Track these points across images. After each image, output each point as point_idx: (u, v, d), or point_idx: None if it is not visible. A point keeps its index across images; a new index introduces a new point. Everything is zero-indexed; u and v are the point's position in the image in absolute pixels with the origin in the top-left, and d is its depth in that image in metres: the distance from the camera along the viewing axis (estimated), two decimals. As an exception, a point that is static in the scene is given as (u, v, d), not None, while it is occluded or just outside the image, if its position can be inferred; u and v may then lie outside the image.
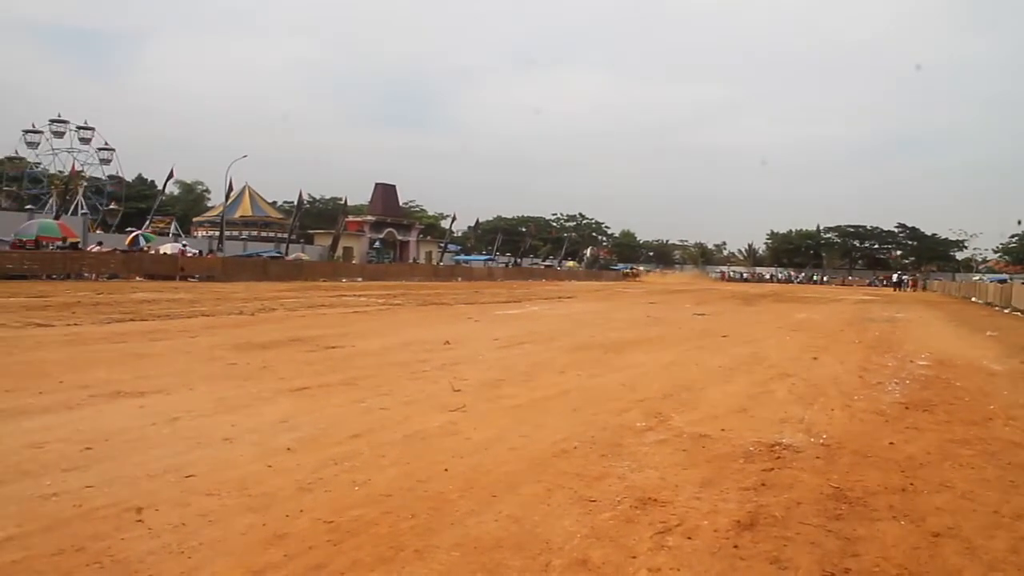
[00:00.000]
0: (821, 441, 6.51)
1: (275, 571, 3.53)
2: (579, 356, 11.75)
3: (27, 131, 68.70)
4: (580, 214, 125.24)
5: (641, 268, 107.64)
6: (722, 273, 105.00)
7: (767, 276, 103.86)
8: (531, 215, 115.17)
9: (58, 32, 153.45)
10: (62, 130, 70.33)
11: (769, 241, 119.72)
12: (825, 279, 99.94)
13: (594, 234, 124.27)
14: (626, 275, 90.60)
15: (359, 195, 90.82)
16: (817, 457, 5.98)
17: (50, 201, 64.45)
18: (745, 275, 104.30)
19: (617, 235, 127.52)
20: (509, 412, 7.30)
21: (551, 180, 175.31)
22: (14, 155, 69.03)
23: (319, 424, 6.50)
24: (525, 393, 8.33)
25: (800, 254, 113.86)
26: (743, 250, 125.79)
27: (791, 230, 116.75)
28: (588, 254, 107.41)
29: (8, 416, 6.43)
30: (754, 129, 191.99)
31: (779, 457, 5.94)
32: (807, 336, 17.02)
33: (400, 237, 75.51)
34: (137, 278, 35.71)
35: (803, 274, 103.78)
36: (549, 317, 21.06)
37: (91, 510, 4.22)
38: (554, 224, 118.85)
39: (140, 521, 4.07)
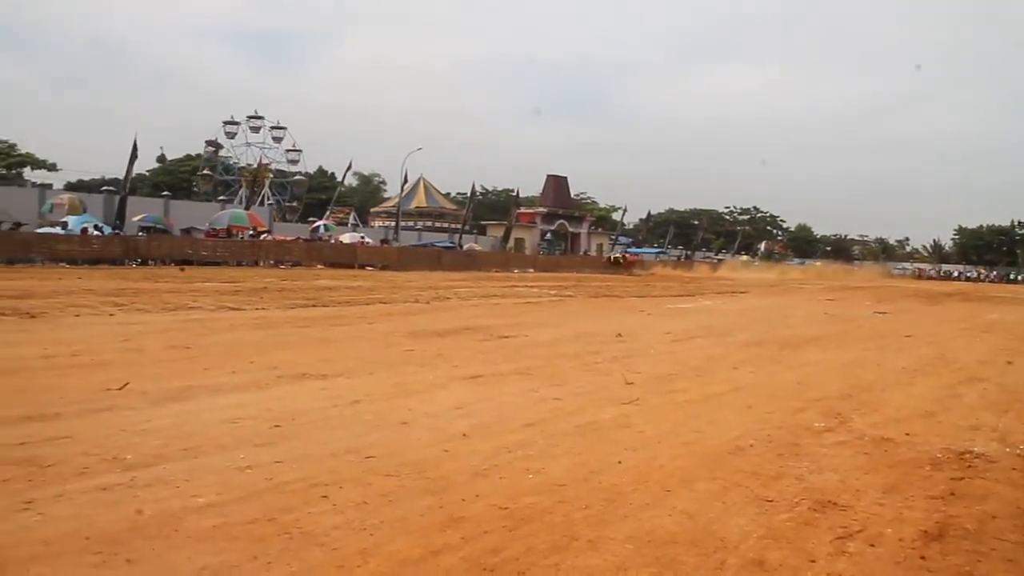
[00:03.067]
0: (1018, 452, 6.12)
1: (452, 552, 3.61)
2: (753, 352, 11.50)
3: (226, 122, 72.95)
4: (754, 207, 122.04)
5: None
6: (919, 271, 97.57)
7: (955, 274, 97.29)
8: (704, 207, 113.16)
9: (250, 34, 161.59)
10: (258, 125, 74.32)
11: (956, 237, 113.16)
12: (1020, 278, 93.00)
13: (769, 228, 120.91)
14: (616, 261, 62.83)
15: (531, 187, 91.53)
16: (1014, 468, 5.63)
17: (241, 192, 68.09)
18: (932, 272, 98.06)
19: (792, 229, 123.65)
20: (682, 407, 7.23)
21: (725, 173, 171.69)
22: (210, 141, 73.27)
23: (493, 412, 6.62)
24: (698, 388, 8.22)
25: (991, 251, 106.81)
26: (927, 246, 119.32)
27: (981, 225, 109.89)
28: (762, 248, 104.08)
29: (206, 393, 6.87)
30: (938, 118, 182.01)
31: (970, 466, 5.63)
32: (1000, 338, 16.04)
33: (571, 229, 75.69)
34: (318, 266, 37.25)
35: (995, 272, 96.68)
36: (722, 312, 20.69)
37: (280, 484, 4.45)
38: (727, 217, 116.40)
39: (325, 497, 4.25)
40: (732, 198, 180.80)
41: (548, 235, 74.06)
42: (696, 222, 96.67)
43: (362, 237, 50.40)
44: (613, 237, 78.00)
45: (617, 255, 65.25)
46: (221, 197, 64.43)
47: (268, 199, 70.48)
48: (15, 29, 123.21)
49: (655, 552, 3.72)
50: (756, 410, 7.19)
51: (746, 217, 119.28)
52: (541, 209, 74.15)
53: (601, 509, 4.28)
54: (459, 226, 63.22)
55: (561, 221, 74.77)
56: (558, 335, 12.68)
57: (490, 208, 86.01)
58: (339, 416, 6.22)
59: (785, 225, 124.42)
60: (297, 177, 76.06)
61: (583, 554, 3.67)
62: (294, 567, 3.36)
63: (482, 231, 72.15)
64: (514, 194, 71.41)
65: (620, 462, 5.25)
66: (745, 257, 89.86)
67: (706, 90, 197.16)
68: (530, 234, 71.64)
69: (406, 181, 61.53)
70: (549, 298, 22.89)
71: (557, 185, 76.03)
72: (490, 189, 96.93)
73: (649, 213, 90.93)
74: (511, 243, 66.09)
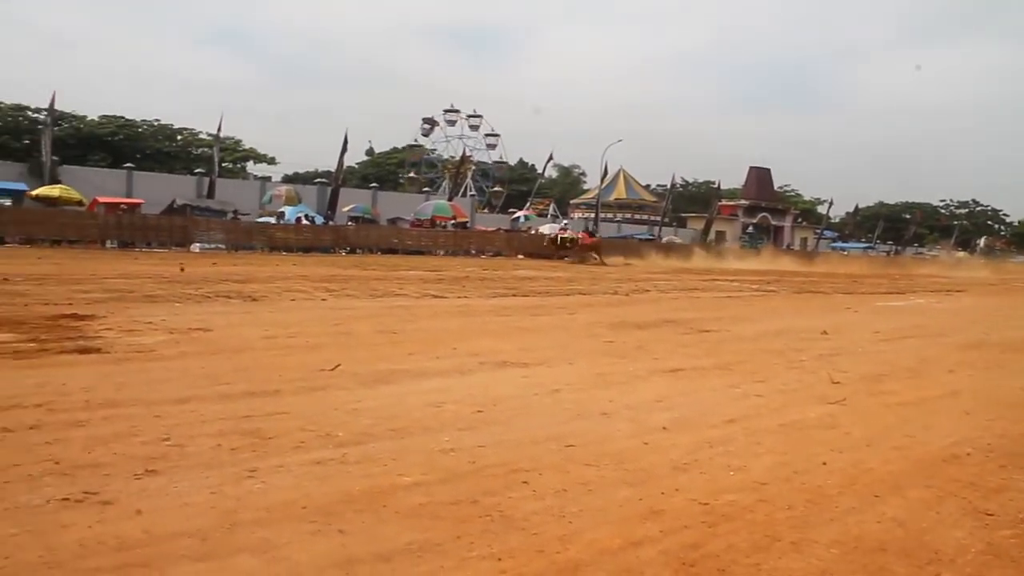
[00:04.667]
0: None
1: (651, 545, 3.59)
2: (971, 355, 10.80)
3: (425, 119, 75.38)
4: (973, 200, 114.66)
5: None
6: None
7: None
8: (917, 201, 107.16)
9: (455, 30, 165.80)
10: (454, 118, 76.40)
11: None
12: None
13: (989, 222, 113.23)
14: (563, 243, 43.55)
15: (733, 179, 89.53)
16: None
17: (443, 184, 70.14)
18: None
19: (1016, 224, 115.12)
20: (892, 409, 6.88)
21: (940, 163, 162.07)
22: (414, 143, 75.92)
23: (693, 406, 6.53)
24: (910, 391, 7.80)
25: None
26: None
27: None
28: (982, 244, 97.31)
29: (411, 377, 7.13)
30: None
31: None
32: None
33: (774, 222, 73.67)
34: (519, 256, 37.87)
35: None
36: (936, 311, 19.55)
37: (482, 467, 4.56)
38: (943, 211, 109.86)
39: (525, 483, 4.32)
40: (949, 191, 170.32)
41: (750, 228, 72.30)
42: (908, 216, 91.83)
43: (563, 228, 50.84)
44: (817, 231, 75.22)
45: (566, 234, 44.72)
46: (425, 188, 66.57)
47: (470, 190, 72.24)
48: (244, 33, 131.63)
49: (862, 559, 3.57)
50: (975, 416, 6.75)
51: (964, 211, 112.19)
52: (743, 201, 72.49)
53: (805, 511, 4.14)
54: (658, 218, 62.71)
55: (764, 214, 72.86)
56: (760, 330, 12.36)
57: (690, 200, 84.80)
58: (539, 404, 6.31)
59: (1008, 219, 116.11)
60: (497, 162, 77.53)
61: (785, 556, 3.56)
62: (495, 548, 3.43)
63: (682, 223, 71.28)
64: (715, 186, 70.15)
65: (825, 463, 5.05)
66: (962, 253, 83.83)
67: (929, 76, 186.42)
68: (731, 227, 70.18)
69: (606, 173, 61.61)
70: (751, 292, 22.34)
71: (760, 177, 74.13)
72: (690, 181, 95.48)
73: (856, 207, 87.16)
74: (711, 236, 64.93)
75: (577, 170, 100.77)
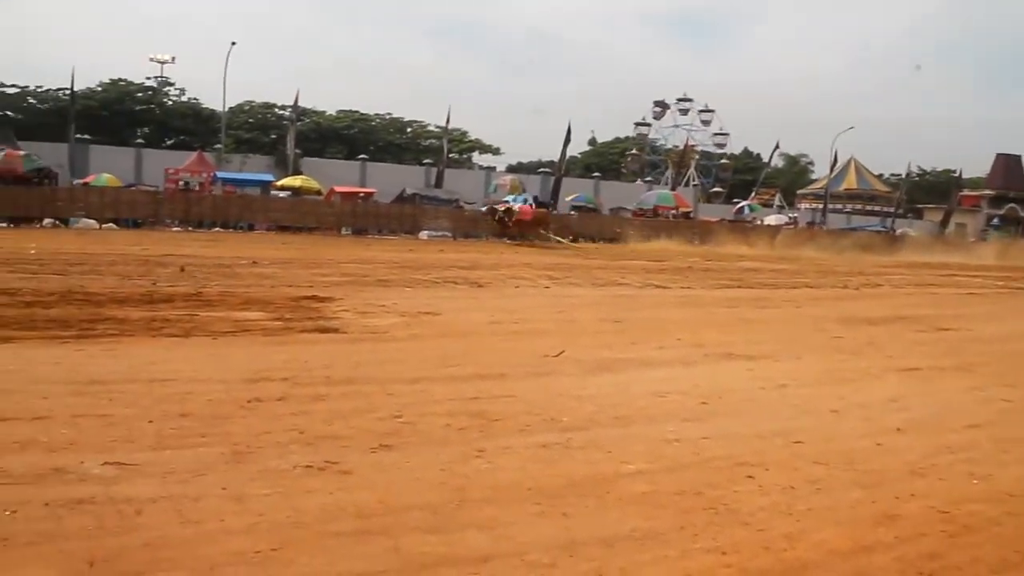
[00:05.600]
0: None
1: (885, 551, 3.42)
2: None
3: (656, 103, 74.76)
4: None
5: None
6: None
7: None
8: None
9: (674, 18, 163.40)
10: (686, 107, 75.39)
11: None
12: None
13: None
14: (500, 219, 34.94)
15: (976, 168, 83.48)
16: None
17: (667, 173, 69.39)
18: None
19: None
20: None
21: None
22: (641, 121, 75.35)
23: (931, 408, 6.16)
24: None
25: None
26: None
27: None
28: None
29: (634, 366, 7.12)
30: None
31: None
32: None
33: (1024, 214, 68.16)
34: (743, 248, 37.02)
35: None
36: None
37: (707, 459, 4.49)
38: None
39: (751, 477, 4.22)
40: None
41: (995, 220, 67.23)
42: None
43: (792, 218, 49.24)
44: (1078, 224, 69.01)
45: (503, 207, 35.41)
46: (647, 178, 66.13)
47: (693, 180, 71.14)
48: (471, 27, 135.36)
49: None
50: None
51: None
52: (987, 192, 67.51)
53: (1062, 528, 3.82)
54: (892, 209, 59.57)
55: (1012, 205, 67.49)
56: (1009, 331, 11.49)
57: (928, 191, 79.78)
58: (765, 398, 6.14)
59: None
60: (722, 161, 75.95)
61: (1038, 574, 3.30)
62: (719, 541, 3.38)
63: (918, 215, 67.32)
64: (956, 175, 65.76)
65: (1087, 477, 4.64)
66: None
67: None
68: (973, 219, 65.54)
69: (835, 162, 59.04)
70: (995, 289, 20.79)
71: (1008, 165, 68.71)
72: (927, 170, 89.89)
73: None
74: (951, 228, 60.93)
75: (804, 159, 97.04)
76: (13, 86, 60.53)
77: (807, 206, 65.09)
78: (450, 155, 56.08)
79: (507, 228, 34.79)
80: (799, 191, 75.33)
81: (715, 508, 3.76)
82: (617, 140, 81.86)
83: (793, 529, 3.56)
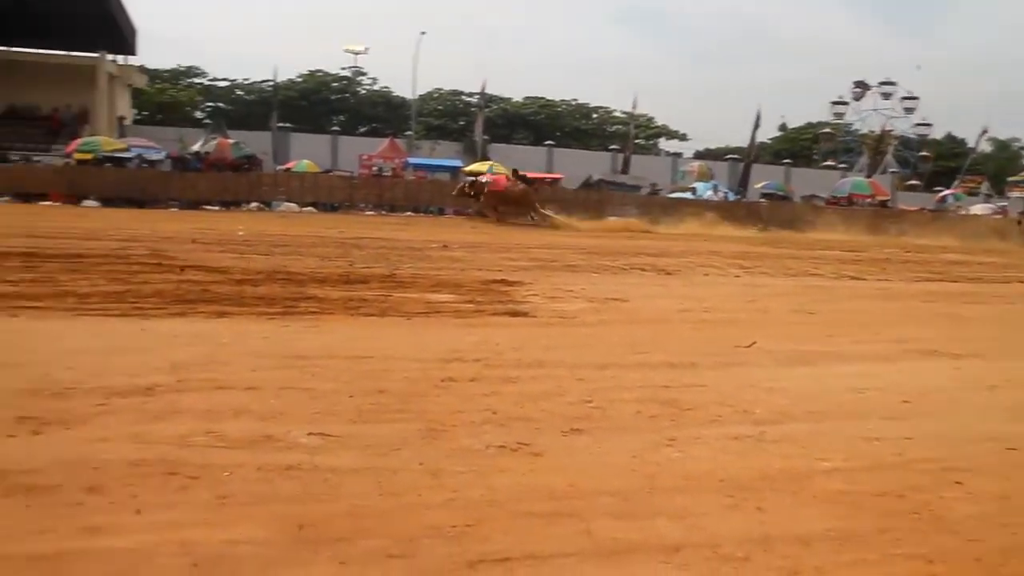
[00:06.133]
0: None
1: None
2: None
3: (856, 83, 71.42)
4: None
5: None
6: None
7: None
8: None
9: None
10: (889, 92, 71.65)
11: None
12: None
13: None
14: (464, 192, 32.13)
15: None
16: None
17: (861, 160, 66.41)
18: None
19: None
20: None
21: None
22: (838, 99, 72.15)
23: None
24: None
25: None
26: None
27: None
28: None
29: (830, 359, 6.87)
30: None
31: None
32: None
33: None
34: (946, 239, 35.08)
35: None
36: None
37: (910, 461, 4.27)
38: None
39: (959, 483, 3.98)
40: None
41: None
42: None
43: (1001, 207, 46.24)
44: None
45: (471, 180, 32.98)
46: (842, 163, 63.47)
47: (890, 167, 67.72)
48: (658, 13, 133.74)
49: None
50: None
51: None
52: None
53: None
54: None
55: None
56: None
57: None
58: (974, 399, 5.78)
59: None
60: (922, 154, 71.80)
61: None
62: (924, 549, 3.21)
63: None
64: None
65: None
66: None
67: None
68: None
69: (1053, 147, 54.88)
70: None
71: None
72: None
73: None
74: None
75: (1017, 144, 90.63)
76: (224, 80, 64.74)
77: (1019, 194, 60.79)
78: (636, 141, 55.76)
79: (471, 200, 31.84)
80: (1010, 178, 70.48)
81: (919, 513, 3.57)
82: (809, 125, 78.98)
83: (1010, 543, 3.34)
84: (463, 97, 66.25)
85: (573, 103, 69.99)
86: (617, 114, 68.45)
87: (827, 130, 71.52)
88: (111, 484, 3.33)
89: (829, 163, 62.39)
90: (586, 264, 14.35)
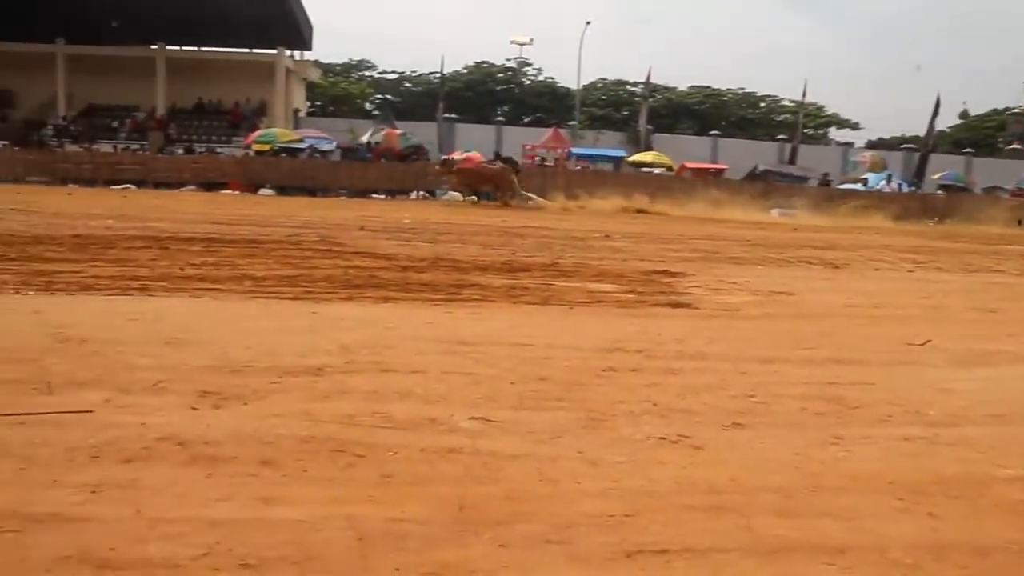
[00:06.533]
0: None
1: None
2: None
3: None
4: None
5: None
6: None
7: None
8: None
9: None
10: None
11: None
12: None
13: None
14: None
15: None
16: None
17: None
18: None
19: None
20: None
21: None
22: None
23: None
24: None
25: None
26: None
27: None
28: None
29: (1011, 360, 6.45)
30: None
31: None
32: None
33: None
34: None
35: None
36: None
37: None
38: None
39: None
40: None
41: None
42: None
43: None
44: None
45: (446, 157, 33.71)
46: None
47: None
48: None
49: None
50: None
51: None
52: None
53: None
54: None
55: None
56: None
57: None
58: None
59: None
60: None
61: None
62: (1117, 566, 3.00)
63: None
64: None
65: None
66: None
67: None
68: None
69: None
70: None
71: None
72: None
73: None
74: None
75: None
76: (393, 72, 66.58)
77: None
78: (805, 130, 54.04)
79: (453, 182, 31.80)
80: None
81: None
82: (994, 112, 74.52)
83: None
84: (627, 87, 65.88)
85: (740, 92, 68.45)
86: (785, 103, 66.50)
87: (1016, 109, 66.95)
88: (283, 458, 3.49)
89: (1015, 146, 58.51)
90: (750, 256, 14.04)
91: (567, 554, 2.77)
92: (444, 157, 33.93)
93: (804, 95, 50.52)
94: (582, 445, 3.84)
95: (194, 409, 4.12)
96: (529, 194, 31.42)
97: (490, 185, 31.27)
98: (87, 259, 9.59)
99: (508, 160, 32.97)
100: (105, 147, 40.13)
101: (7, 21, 42.38)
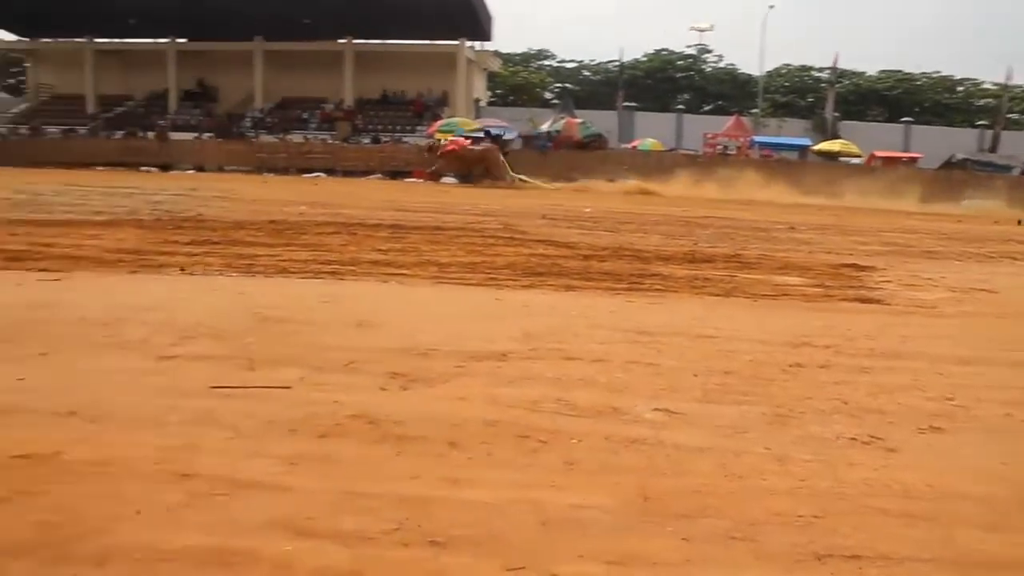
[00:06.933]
0: None
1: None
2: None
3: None
4: None
5: None
6: None
7: None
8: None
9: None
10: None
11: None
12: None
13: None
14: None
15: None
16: None
17: None
18: None
19: None
20: None
21: None
22: None
23: None
24: None
25: None
26: None
27: None
28: None
29: None
30: None
31: None
32: None
33: None
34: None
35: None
36: None
37: None
38: None
39: None
40: None
41: None
42: None
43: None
44: None
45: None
46: None
47: None
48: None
49: None
50: None
51: None
52: None
53: None
54: None
55: None
56: None
57: None
58: None
59: None
60: None
61: None
62: None
63: None
64: None
65: None
66: None
67: None
68: None
69: None
70: None
71: None
72: None
73: None
74: None
75: None
76: (572, 61, 66.75)
77: None
78: (1009, 116, 50.66)
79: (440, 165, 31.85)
80: None
81: None
82: None
83: None
84: (812, 72, 63.52)
85: (935, 75, 64.73)
86: (987, 86, 62.46)
87: None
88: (469, 440, 3.57)
89: None
90: (946, 250, 13.31)
91: (753, 552, 2.71)
92: (430, 142, 34.95)
93: (1009, 78, 47.28)
94: (768, 441, 3.74)
95: (383, 390, 4.27)
96: (521, 175, 31.55)
97: (478, 166, 31.70)
98: (282, 243, 10.11)
99: (496, 140, 33.64)
100: (296, 137, 42.14)
101: (213, 23, 45.23)
